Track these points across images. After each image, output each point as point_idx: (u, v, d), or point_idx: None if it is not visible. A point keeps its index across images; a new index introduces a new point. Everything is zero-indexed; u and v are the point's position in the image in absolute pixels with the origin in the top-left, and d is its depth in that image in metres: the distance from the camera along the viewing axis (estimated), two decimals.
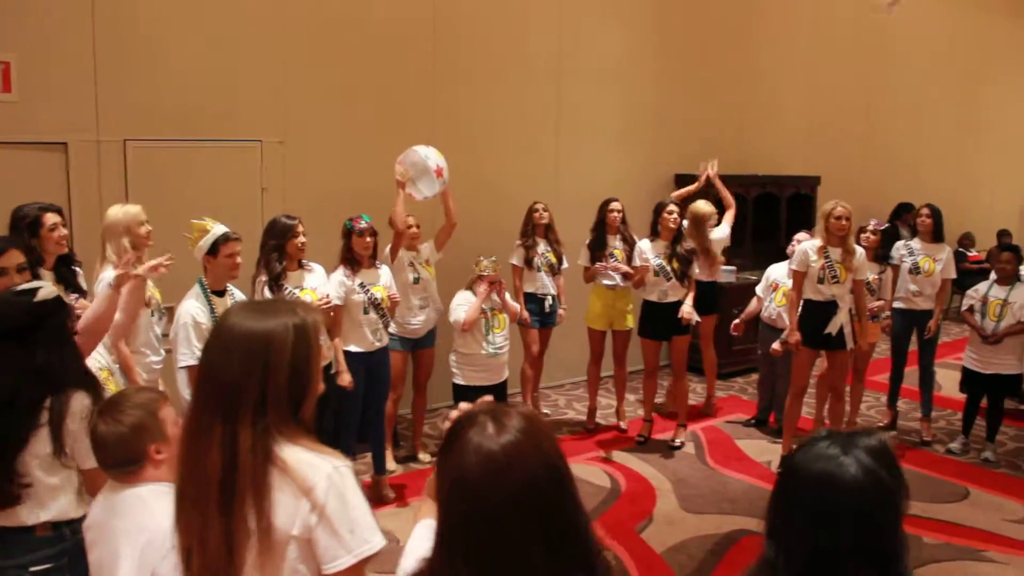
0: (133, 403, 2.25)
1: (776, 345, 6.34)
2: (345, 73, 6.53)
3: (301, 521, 1.76)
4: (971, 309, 6.50)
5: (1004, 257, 6.49)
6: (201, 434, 1.76)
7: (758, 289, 7.00)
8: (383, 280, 5.42)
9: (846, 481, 1.44)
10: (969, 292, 6.66)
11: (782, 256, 6.96)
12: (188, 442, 1.80)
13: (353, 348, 5.29)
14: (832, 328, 5.87)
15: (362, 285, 5.29)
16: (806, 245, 5.98)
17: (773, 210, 8.76)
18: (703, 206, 6.79)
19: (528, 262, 6.63)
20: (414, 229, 5.98)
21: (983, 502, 5.72)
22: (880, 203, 10.01)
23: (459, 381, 5.88)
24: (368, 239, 5.32)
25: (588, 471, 6.05)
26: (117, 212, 4.46)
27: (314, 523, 1.76)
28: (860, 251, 5.97)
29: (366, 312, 5.29)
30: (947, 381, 7.83)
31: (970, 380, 6.59)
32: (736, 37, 9.03)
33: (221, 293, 4.50)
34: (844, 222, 5.80)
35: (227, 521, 1.72)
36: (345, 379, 5.17)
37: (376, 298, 5.32)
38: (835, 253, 5.84)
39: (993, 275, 6.61)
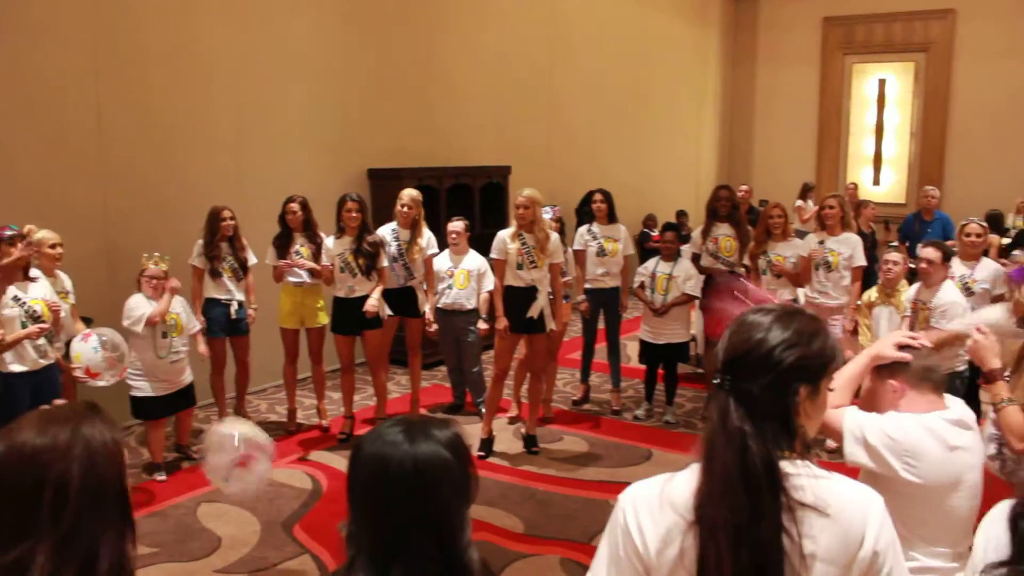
0: None
1: (482, 325, 6.53)
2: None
3: None
4: (642, 285, 7.03)
5: (668, 236, 7.08)
6: None
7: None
8: (41, 292, 4.97)
9: (408, 464, 1.51)
10: (639, 270, 7.19)
11: (476, 246, 7.15)
12: None
13: (16, 368, 4.82)
14: (533, 312, 6.11)
15: (16, 298, 4.82)
16: (502, 233, 6.18)
17: (467, 200, 8.99)
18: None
19: (213, 272, 6.34)
20: (58, 250, 5.44)
21: (663, 460, 6.20)
22: (571, 189, 10.60)
23: (138, 393, 5.62)
24: (15, 248, 4.83)
25: (289, 474, 5.91)
26: None
27: None
28: (555, 235, 6.23)
29: (24, 327, 4.83)
30: (635, 353, 8.42)
31: (647, 351, 7.12)
32: (423, 30, 9.15)
33: None
34: (523, 211, 6.05)
35: None
36: None
37: (36, 312, 4.87)
38: (530, 239, 6.07)
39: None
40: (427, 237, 6.74)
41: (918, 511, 2.42)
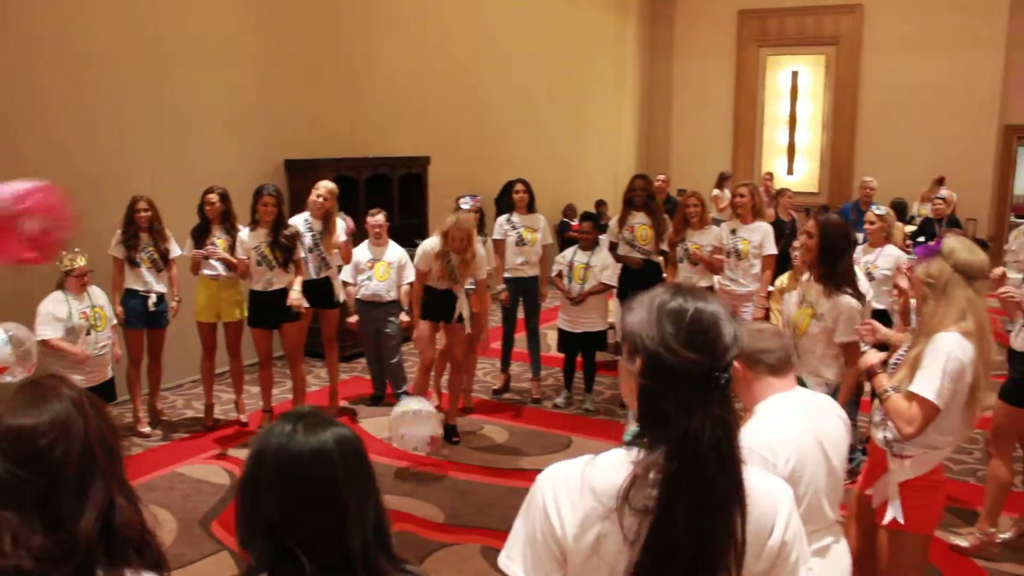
0: None
1: (404, 316, 6.53)
2: None
3: None
4: (560, 274, 7.10)
5: (585, 226, 7.16)
6: None
7: (345, 276, 6.93)
8: None
9: (352, 446, 1.56)
10: (557, 259, 7.26)
11: (395, 236, 7.15)
12: None
13: None
14: (461, 312, 6.17)
15: None
16: (428, 245, 6.14)
17: (386, 191, 8.93)
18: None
19: (130, 260, 6.25)
20: None
21: (583, 447, 6.24)
22: (490, 179, 10.61)
23: None
24: None
25: (207, 470, 5.83)
26: None
27: None
28: (480, 251, 6.18)
29: None
30: (555, 342, 8.48)
31: (565, 339, 7.20)
32: (343, 19, 9.05)
33: None
34: (458, 243, 5.93)
35: None
36: None
37: None
38: (456, 259, 6.01)
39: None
40: (341, 226, 6.72)
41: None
